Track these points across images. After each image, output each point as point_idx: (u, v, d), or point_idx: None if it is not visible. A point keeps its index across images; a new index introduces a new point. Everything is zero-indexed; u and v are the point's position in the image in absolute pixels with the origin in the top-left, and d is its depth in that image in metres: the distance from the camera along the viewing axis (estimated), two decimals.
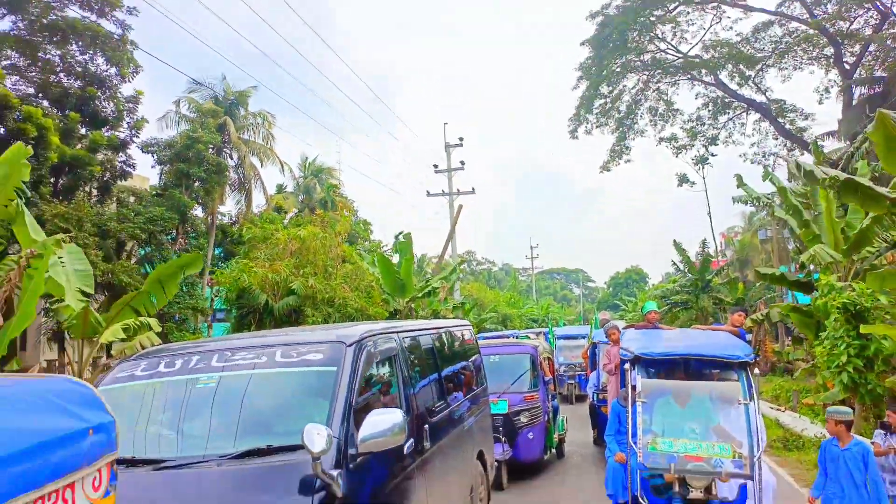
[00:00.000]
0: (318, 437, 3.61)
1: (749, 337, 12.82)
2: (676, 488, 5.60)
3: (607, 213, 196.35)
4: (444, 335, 7.47)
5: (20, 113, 21.45)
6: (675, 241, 33.16)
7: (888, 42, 29.39)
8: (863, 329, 10.22)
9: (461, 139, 31.65)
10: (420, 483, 5.31)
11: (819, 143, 33.16)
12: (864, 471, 5.55)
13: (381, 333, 5.40)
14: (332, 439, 3.85)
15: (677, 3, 32.30)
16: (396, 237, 47.21)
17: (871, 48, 30.64)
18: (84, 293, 8.48)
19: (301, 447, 3.69)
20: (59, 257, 8.50)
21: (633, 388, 6.05)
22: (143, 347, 9.16)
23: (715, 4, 32.99)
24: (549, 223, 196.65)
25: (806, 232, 12.93)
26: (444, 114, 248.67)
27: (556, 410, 12.03)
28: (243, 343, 5.12)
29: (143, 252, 27.71)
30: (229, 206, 37.17)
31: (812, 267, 13.35)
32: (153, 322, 9.19)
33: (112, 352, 8.96)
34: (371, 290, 15.23)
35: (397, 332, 5.80)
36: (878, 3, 29.59)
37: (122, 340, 8.81)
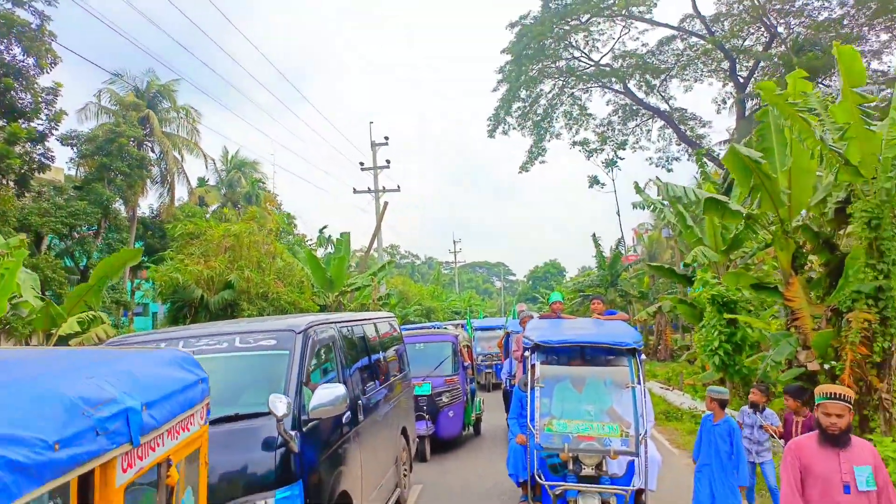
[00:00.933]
0: (280, 404, 4.67)
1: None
2: (570, 466, 6.07)
3: (529, 208, 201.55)
4: (372, 326, 8.49)
5: None
6: (593, 235, 35.35)
7: (775, 59, 32.45)
8: (729, 317, 12.09)
9: (386, 138, 32.65)
10: (355, 448, 6.41)
11: (715, 150, 36.38)
12: (730, 444, 6.41)
13: (323, 323, 6.32)
14: (290, 406, 4.94)
15: (589, 14, 34.36)
16: (321, 231, 47.63)
17: (762, 63, 33.71)
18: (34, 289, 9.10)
19: (262, 414, 4.76)
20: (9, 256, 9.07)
21: (533, 373, 6.45)
22: (100, 339, 9.77)
23: (623, 17, 35.29)
24: (472, 217, 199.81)
25: (689, 234, 14.79)
26: (370, 109, 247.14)
27: (473, 393, 13.31)
28: (204, 332, 5.89)
29: (61, 246, 27.36)
30: (150, 200, 36.76)
31: (697, 265, 15.28)
32: (103, 315, 9.83)
33: (70, 343, 9.54)
34: (302, 285, 16.10)
35: (335, 323, 6.82)
36: (768, 23, 32.61)
37: (78, 333, 9.44)
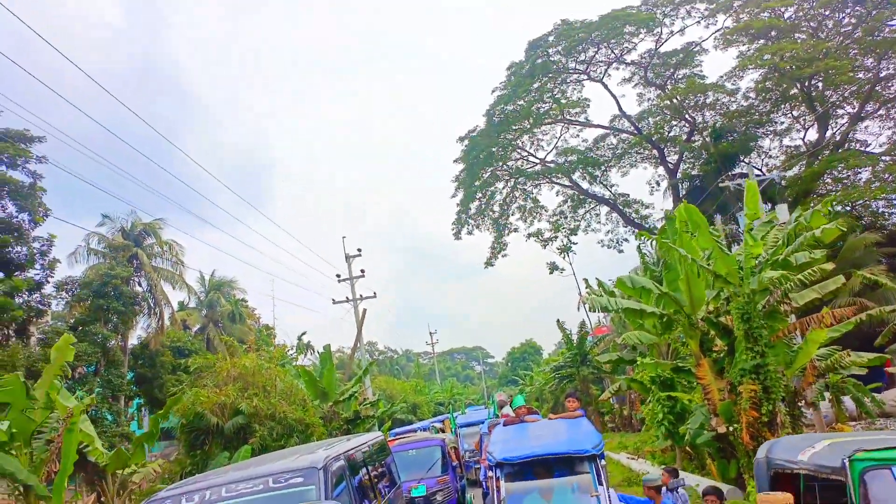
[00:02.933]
0: None
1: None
2: None
3: (501, 289, 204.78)
4: (368, 447, 9.83)
5: None
6: (558, 320, 37.97)
7: (697, 146, 36.64)
8: (667, 394, 14.59)
9: (359, 250, 35.40)
10: None
11: (655, 229, 39.99)
12: None
13: (334, 455, 7.38)
14: None
15: (527, 126, 38.45)
16: (299, 338, 49.43)
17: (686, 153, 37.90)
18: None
19: None
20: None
21: (498, 491, 6.67)
22: (156, 473, 11.70)
23: (560, 121, 39.55)
24: (445, 305, 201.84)
25: (632, 319, 17.44)
26: (338, 203, 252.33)
27: (464, 489, 15.18)
28: (240, 476, 6.82)
29: (63, 385, 28.87)
30: (137, 331, 38.45)
31: (642, 346, 17.85)
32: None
33: (133, 479, 11.38)
34: (304, 403, 18.17)
35: (343, 452, 7.92)
36: (687, 117, 36.97)
37: (134, 472, 11.39)
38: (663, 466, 9.61)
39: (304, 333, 51.87)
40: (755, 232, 11.17)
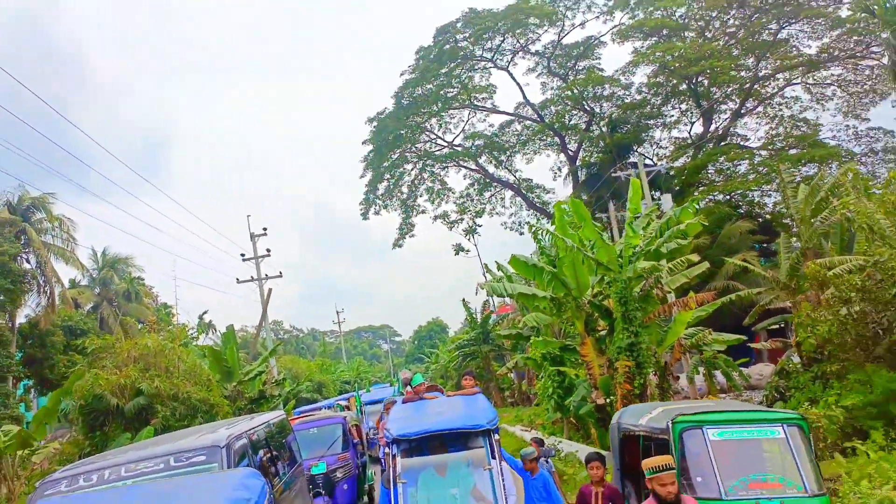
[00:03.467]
0: None
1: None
2: None
3: (407, 268, 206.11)
4: (269, 426, 9.76)
5: None
6: (463, 300, 39.17)
7: (594, 135, 38.65)
8: (557, 369, 15.86)
9: (265, 229, 35.03)
10: None
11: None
12: (546, 492, 7.25)
13: (237, 434, 7.31)
14: None
15: (435, 109, 39.17)
16: (200, 318, 48.40)
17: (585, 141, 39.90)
18: None
19: None
20: None
21: (395, 467, 6.67)
22: (57, 452, 11.57)
23: (467, 106, 40.53)
24: (351, 282, 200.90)
25: (527, 302, 18.64)
26: (242, 179, 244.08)
27: (364, 465, 15.21)
28: (140, 455, 6.59)
29: None
30: (26, 310, 36.55)
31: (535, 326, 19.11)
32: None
33: (34, 459, 11.20)
34: (209, 383, 18.21)
35: (245, 431, 7.90)
36: (586, 107, 38.84)
37: (34, 452, 11.26)
38: (532, 439, 10.43)
39: (205, 312, 50.77)
40: (635, 224, 12.41)
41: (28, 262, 34.26)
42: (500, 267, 21.42)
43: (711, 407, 5.40)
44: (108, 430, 16.41)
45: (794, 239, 20.89)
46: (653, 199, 33.88)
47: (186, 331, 40.33)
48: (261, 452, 8.47)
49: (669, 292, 13.36)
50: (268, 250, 35.03)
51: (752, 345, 20.14)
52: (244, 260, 34.96)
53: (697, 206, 13.00)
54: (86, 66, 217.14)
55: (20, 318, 35.66)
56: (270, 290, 34.03)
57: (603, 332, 13.99)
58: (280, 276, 35.35)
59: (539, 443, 9.54)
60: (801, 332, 14.49)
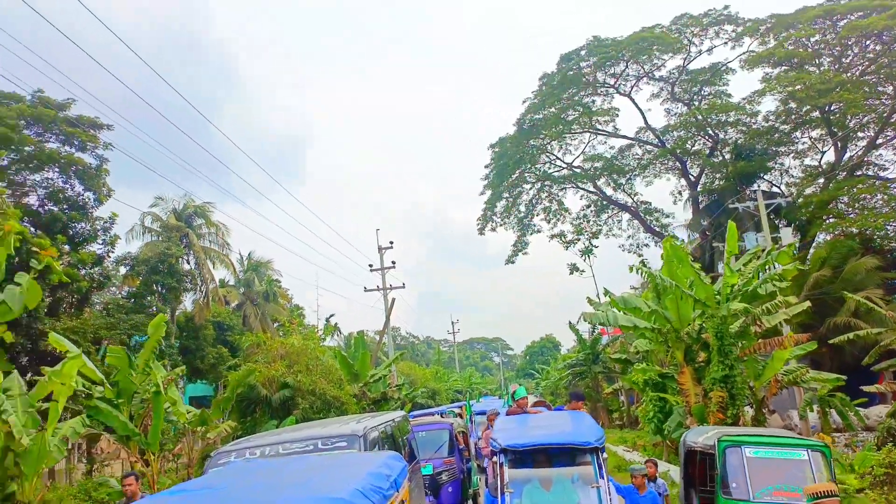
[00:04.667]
0: None
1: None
2: None
3: (524, 282, 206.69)
4: (394, 423, 10.87)
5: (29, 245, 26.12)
6: (570, 323, 40.11)
7: (716, 162, 38.28)
8: (658, 395, 16.77)
9: (391, 242, 37.84)
10: None
11: (678, 238, 41.79)
12: None
13: (372, 426, 8.28)
14: None
15: (556, 132, 40.36)
16: (327, 320, 52.37)
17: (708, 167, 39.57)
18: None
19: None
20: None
21: (502, 476, 6.84)
22: (229, 433, 14.20)
23: (588, 130, 41.43)
24: (468, 294, 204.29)
25: (628, 331, 19.58)
26: (372, 186, 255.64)
27: (470, 471, 15.93)
28: (294, 437, 7.67)
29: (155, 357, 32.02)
30: (183, 305, 41.50)
31: (641, 353, 19.99)
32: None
33: (210, 437, 13.94)
34: (341, 381, 20.66)
35: (378, 424, 8.85)
36: (710, 132, 38.58)
37: (208, 430, 13.98)
38: (647, 460, 11.20)
39: (332, 315, 54.84)
40: (734, 265, 13.27)
41: (188, 262, 39.10)
42: (606, 293, 22.48)
43: (752, 431, 6.56)
44: (257, 417, 19.18)
45: None
46: (778, 228, 33.30)
47: (316, 332, 44.08)
48: (388, 444, 9.29)
49: (765, 330, 13.99)
50: (393, 262, 37.80)
51: (865, 388, 19.85)
52: (371, 270, 37.92)
53: (795, 251, 13.59)
54: (233, 73, 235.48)
55: (177, 312, 40.70)
56: (394, 299, 36.68)
57: (702, 363, 14.84)
58: (403, 286, 38.01)
59: (654, 465, 9.80)
60: None
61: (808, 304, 13.87)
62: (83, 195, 32.32)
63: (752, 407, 13.43)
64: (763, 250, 15.57)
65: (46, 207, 30.91)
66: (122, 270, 34.83)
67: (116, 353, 13.09)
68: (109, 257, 31.53)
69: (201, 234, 39.13)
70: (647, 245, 44.86)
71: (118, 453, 11.74)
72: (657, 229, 42.30)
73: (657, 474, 9.68)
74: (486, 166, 42.18)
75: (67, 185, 32.06)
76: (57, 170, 31.40)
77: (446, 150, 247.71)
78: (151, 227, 37.29)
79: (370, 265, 37.77)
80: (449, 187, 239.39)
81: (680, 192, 42.43)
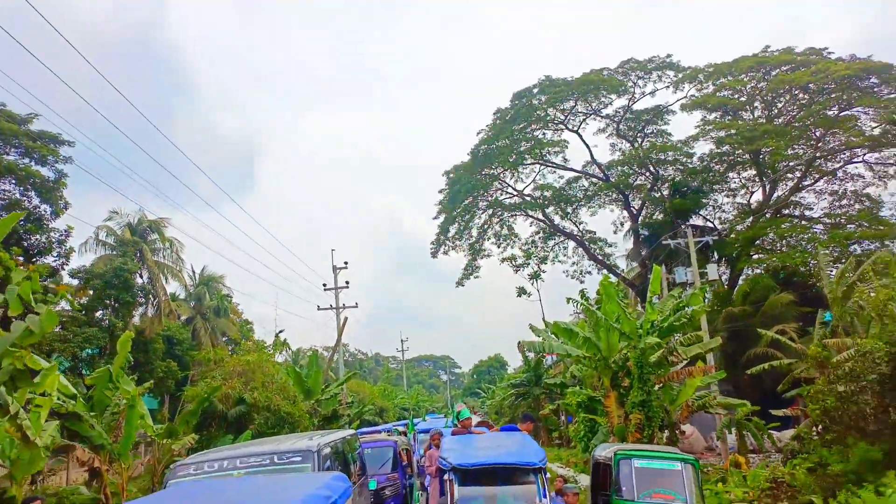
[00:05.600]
0: None
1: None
2: None
3: (473, 301, 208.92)
4: (346, 440, 11.58)
5: None
6: (519, 343, 41.72)
7: (656, 197, 40.86)
8: (588, 416, 18.43)
9: (346, 262, 39.04)
10: None
11: (618, 267, 44.20)
12: None
13: (325, 442, 8.71)
14: None
15: (509, 161, 42.37)
16: (277, 336, 52.85)
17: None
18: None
19: None
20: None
21: (452, 494, 7.18)
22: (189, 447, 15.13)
23: (538, 162, 43.58)
24: (416, 308, 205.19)
25: (563, 357, 21.30)
26: (318, 198, 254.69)
27: (412, 486, 16.84)
28: (250, 451, 8.08)
29: (66, 365, 32.13)
30: (134, 318, 41.55)
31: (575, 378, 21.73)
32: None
33: (174, 450, 14.79)
34: (295, 398, 21.69)
35: (331, 441, 9.29)
36: (651, 170, 41.14)
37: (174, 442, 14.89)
38: (559, 476, 12.52)
39: (281, 331, 55.31)
40: (656, 304, 15.09)
41: (141, 276, 39.33)
42: (546, 324, 24.20)
43: (641, 447, 8.17)
44: (213, 431, 20.06)
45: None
46: (709, 260, 35.85)
47: (265, 346, 44.63)
48: (340, 460, 9.90)
49: (684, 360, 15.81)
50: (346, 282, 38.93)
51: (774, 411, 22.00)
52: (326, 290, 38.91)
53: (706, 295, 15.49)
54: (189, 78, 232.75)
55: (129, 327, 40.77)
56: (346, 318, 37.75)
57: (625, 389, 16.57)
58: (356, 306, 39.13)
59: (564, 480, 11.49)
60: (811, 405, 16.66)
61: (719, 340, 15.79)
62: (40, 207, 32.55)
63: (664, 429, 15.17)
64: (684, 289, 17.49)
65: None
66: (75, 282, 34.98)
67: (101, 372, 14.06)
68: (63, 270, 31.81)
69: (155, 249, 39.47)
70: (589, 272, 47.04)
71: (92, 461, 12.58)
72: (600, 258, 44.56)
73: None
74: (441, 191, 43.86)
75: (24, 198, 32.25)
76: (14, 182, 31.60)
77: (405, 169, 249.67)
78: (106, 241, 37.53)
79: (324, 284, 38.83)
80: (404, 206, 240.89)
81: (622, 223, 44.94)
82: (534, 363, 40.37)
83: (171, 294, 50.57)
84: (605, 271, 45.07)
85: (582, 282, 46.77)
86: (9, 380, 9.17)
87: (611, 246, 45.27)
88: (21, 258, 31.06)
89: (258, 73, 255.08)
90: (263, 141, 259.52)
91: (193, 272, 53.02)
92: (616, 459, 7.69)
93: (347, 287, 38.41)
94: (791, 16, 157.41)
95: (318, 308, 38.35)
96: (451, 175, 43.16)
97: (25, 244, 31.24)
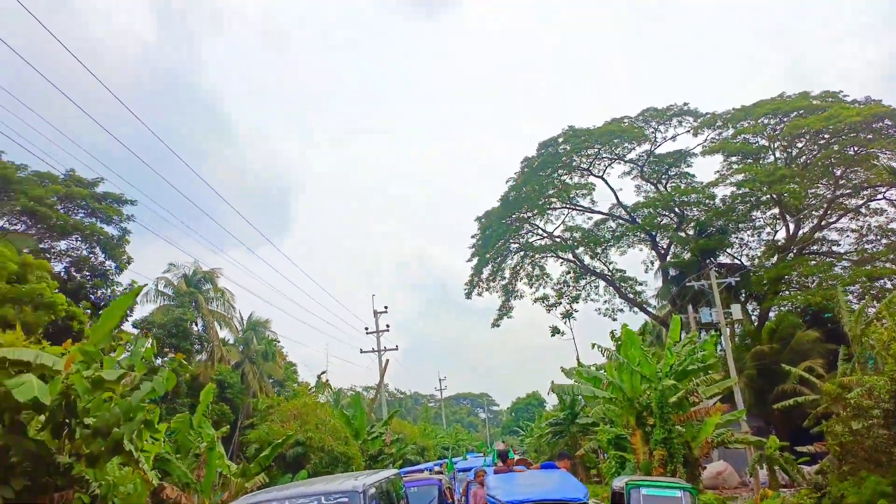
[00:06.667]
0: None
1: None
2: None
3: (512, 340, 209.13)
4: (389, 480, 11.64)
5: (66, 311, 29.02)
6: (551, 383, 42.95)
7: (682, 236, 42.26)
8: (618, 453, 19.84)
9: (385, 307, 41.11)
10: None
11: (650, 304, 45.39)
12: None
13: (371, 483, 8.90)
14: None
15: (538, 204, 44.34)
16: (319, 377, 54.98)
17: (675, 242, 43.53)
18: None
19: None
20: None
21: None
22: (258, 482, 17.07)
23: (566, 206, 45.48)
24: (455, 348, 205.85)
25: (589, 400, 22.65)
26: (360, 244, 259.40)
27: None
28: (301, 492, 8.50)
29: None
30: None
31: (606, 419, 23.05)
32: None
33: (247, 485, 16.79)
34: (347, 439, 23.54)
35: (376, 481, 9.42)
36: (677, 211, 42.64)
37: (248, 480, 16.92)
38: None
39: (323, 372, 57.58)
40: (675, 349, 16.69)
41: (196, 325, 41.99)
42: (579, 364, 25.65)
43: (648, 478, 9.79)
44: (273, 470, 21.96)
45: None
46: (737, 299, 36.92)
47: (307, 389, 46.68)
48: (385, 500, 10.11)
49: (702, 401, 17.27)
50: (387, 326, 40.96)
51: (799, 448, 22.97)
52: (367, 333, 40.97)
53: (717, 343, 17.04)
54: (217, 109, 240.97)
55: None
56: (388, 360, 39.67)
57: (650, 427, 18.02)
58: (396, 349, 41.08)
59: None
60: (830, 440, 17.92)
61: (736, 380, 17.25)
62: (105, 263, 35.55)
63: (686, 465, 16.56)
64: (699, 333, 18.99)
65: (67, 272, 34.09)
66: (137, 332, 37.67)
67: (181, 418, 16.21)
68: (128, 321, 34.49)
69: (209, 299, 42.14)
70: (621, 310, 48.26)
71: (180, 498, 14.52)
72: (631, 296, 45.85)
73: None
74: (473, 236, 45.95)
75: (91, 255, 35.33)
76: (81, 239, 34.72)
77: (437, 209, 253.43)
78: (164, 292, 40.35)
79: (366, 328, 40.89)
80: (438, 245, 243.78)
81: (651, 262, 46.29)
82: (569, 402, 41.46)
83: (222, 339, 53.35)
84: (636, 310, 46.49)
85: (614, 320, 48.04)
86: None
87: (641, 284, 46.63)
88: (89, 311, 33.97)
89: (287, 110, 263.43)
90: (298, 179, 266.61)
91: (241, 318, 55.63)
92: (627, 489, 9.30)
93: (388, 331, 40.42)
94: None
95: (361, 351, 40.39)
96: (483, 220, 45.28)
97: (93, 298, 34.16)
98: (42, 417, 10.52)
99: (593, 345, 18.03)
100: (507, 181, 44.92)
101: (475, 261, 47.45)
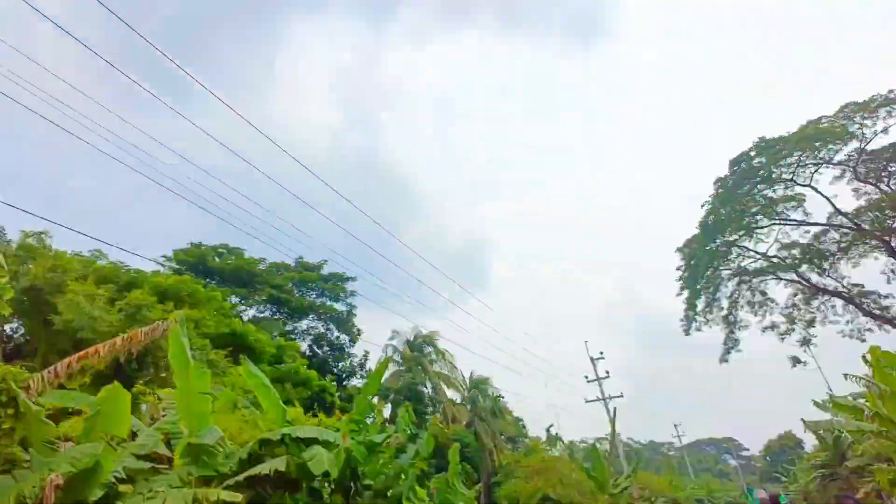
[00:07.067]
0: None
1: None
2: None
3: (749, 376, 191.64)
4: None
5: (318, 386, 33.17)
6: (803, 420, 39.22)
7: None
8: None
9: (601, 353, 41.28)
10: None
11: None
12: None
13: None
14: None
15: (743, 224, 41.93)
16: (547, 430, 55.72)
17: None
18: None
19: None
20: None
21: None
22: None
23: (775, 222, 42.43)
24: (683, 391, 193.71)
25: (854, 435, 20.62)
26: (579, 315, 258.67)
27: None
28: None
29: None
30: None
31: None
32: None
33: None
34: (594, 494, 24.10)
35: None
36: None
37: None
38: None
39: (551, 425, 58.47)
40: None
41: (425, 386, 45.63)
42: (831, 397, 23.39)
43: None
44: None
45: None
46: None
47: (539, 443, 47.81)
48: None
49: None
50: (607, 372, 41.01)
51: None
52: (588, 381, 41.35)
53: None
54: (405, 181, 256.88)
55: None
56: (616, 408, 39.50)
57: None
58: (621, 395, 40.79)
59: None
60: None
61: None
62: (340, 338, 40.64)
63: None
64: None
65: (311, 349, 39.45)
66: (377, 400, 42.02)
67: (440, 479, 18.47)
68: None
69: (433, 361, 45.77)
70: (869, 330, 42.77)
71: None
72: (877, 312, 40.89)
73: None
74: (678, 268, 44.58)
75: (327, 331, 40.59)
76: (316, 317, 40.12)
77: (631, 245, 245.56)
78: (393, 358, 44.71)
79: (586, 376, 41.34)
80: (641, 283, 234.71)
81: (893, 271, 41.02)
82: (831, 440, 37.57)
83: (450, 399, 56.89)
84: (887, 327, 41.10)
85: (863, 341, 42.77)
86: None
87: (885, 298, 41.38)
88: (335, 383, 38.71)
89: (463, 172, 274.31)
90: (487, 236, 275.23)
91: (464, 377, 59.01)
92: None
93: (608, 377, 40.46)
94: None
95: (586, 401, 40.76)
96: (686, 250, 43.86)
97: (335, 370, 39.00)
98: (328, 483, 12.95)
99: (846, 375, 16.96)
100: (702, 205, 43.33)
101: (685, 293, 45.76)
